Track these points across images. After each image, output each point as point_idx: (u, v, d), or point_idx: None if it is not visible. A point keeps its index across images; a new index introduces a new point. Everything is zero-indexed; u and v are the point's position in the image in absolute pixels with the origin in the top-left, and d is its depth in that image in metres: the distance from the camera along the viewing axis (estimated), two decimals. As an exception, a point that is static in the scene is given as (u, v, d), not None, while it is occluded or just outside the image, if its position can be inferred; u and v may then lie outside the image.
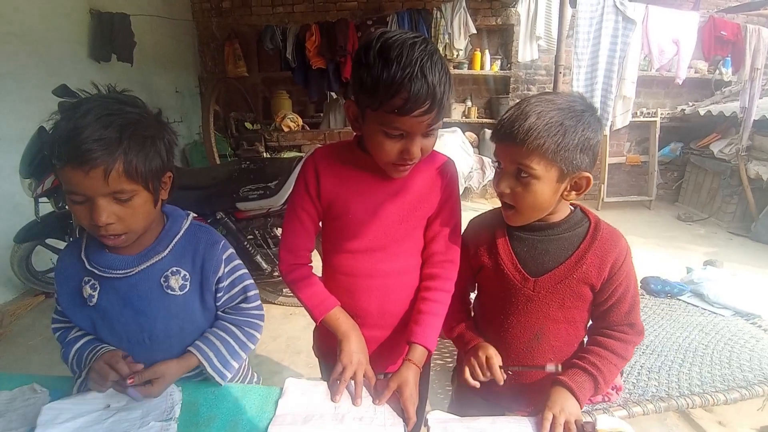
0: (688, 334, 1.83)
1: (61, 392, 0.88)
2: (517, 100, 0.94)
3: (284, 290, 2.73)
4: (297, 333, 2.46)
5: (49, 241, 2.65)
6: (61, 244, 2.65)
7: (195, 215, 0.97)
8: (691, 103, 4.97)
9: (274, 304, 2.76)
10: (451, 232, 0.99)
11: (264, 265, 2.51)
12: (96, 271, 0.85)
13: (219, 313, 0.98)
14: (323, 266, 1.06)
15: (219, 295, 0.94)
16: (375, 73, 0.76)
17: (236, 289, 0.97)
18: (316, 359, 1.20)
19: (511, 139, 0.81)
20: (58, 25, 3.28)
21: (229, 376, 0.92)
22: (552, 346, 0.94)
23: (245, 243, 2.47)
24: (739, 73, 4.23)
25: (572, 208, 0.94)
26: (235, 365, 0.93)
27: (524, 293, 0.92)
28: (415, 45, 0.77)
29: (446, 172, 0.99)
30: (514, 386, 0.97)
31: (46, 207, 2.50)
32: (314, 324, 1.13)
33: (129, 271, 0.86)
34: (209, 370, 0.89)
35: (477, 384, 0.90)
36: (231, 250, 0.96)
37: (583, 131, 0.79)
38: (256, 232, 2.55)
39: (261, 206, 2.32)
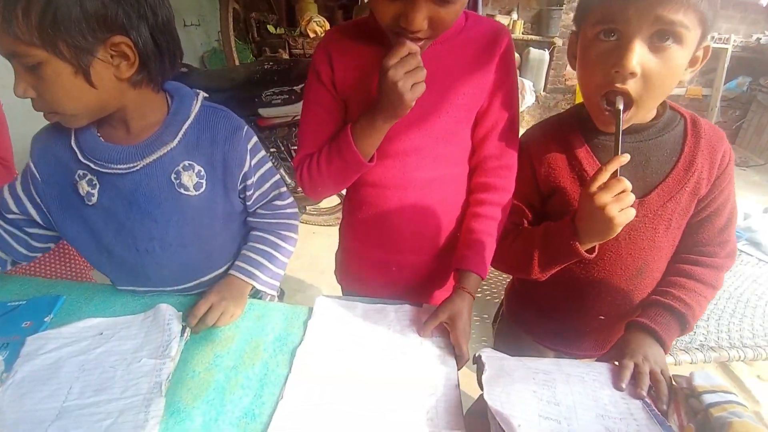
0: (740, 284, 1.72)
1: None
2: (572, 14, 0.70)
3: (307, 207, 2.63)
4: (320, 252, 2.41)
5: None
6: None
7: (206, 94, 0.78)
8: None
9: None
10: (507, 128, 0.78)
11: (288, 179, 2.37)
12: (92, 165, 0.69)
13: (249, 218, 0.86)
14: None
15: (249, 193, 0.80)
16: None
17: (268, 184, 0.83)
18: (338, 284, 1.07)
19: None
20: None
21: (278, 284, 0.85)
22: (655, 279, 0.79)
23: (268, 155, 2.32)
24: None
25: None
26: (281, 272, 0.86)
27: None
28: None
29: (500, 44, 0.74)
30: (577, 327, 0.85)
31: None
32: (337, 245, 0.99)
33: (132, 165, 0.70)
34: (259, 286, 0.81)
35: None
36: (255, 139, 0.80)
37: None
38: (280, 143, 2.38)
39: (286, 113, 2.12)
